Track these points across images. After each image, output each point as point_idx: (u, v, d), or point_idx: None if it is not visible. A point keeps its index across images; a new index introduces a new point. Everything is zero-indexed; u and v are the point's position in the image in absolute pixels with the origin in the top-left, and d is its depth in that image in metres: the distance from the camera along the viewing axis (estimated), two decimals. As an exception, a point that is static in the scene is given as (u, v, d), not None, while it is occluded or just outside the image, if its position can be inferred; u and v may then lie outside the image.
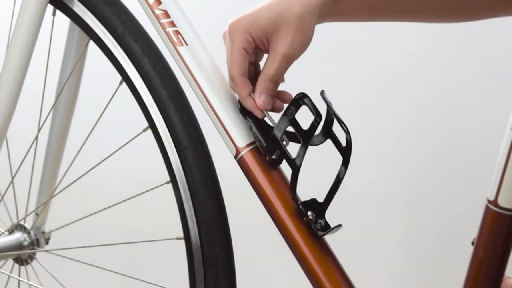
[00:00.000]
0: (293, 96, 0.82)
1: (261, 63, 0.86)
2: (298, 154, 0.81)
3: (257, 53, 0.85)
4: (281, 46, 0.80)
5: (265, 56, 0.84)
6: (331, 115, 0.82)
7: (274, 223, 0.83)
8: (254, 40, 0.81)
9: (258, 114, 0.83)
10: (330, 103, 0.81)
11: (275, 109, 0.84)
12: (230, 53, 0.82)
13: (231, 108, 0.85)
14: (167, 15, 0.88)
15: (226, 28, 0.83)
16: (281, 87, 0.85)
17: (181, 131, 0.90)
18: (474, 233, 0.69)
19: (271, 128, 0.84)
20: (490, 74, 1.54)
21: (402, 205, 1.65)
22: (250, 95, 0.82)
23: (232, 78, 0.82)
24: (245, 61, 0.82)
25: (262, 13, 0.81)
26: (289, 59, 0.81)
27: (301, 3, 0.80)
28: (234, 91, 0.84)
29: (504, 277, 0.71)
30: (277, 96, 0.84)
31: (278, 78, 0.82)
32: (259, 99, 0.82)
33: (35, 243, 1.22)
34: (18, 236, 1.21)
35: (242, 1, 1.71)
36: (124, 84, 0.95)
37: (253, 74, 0.86)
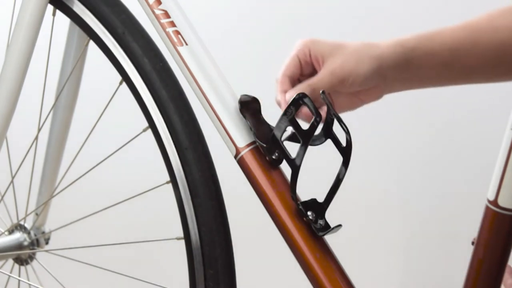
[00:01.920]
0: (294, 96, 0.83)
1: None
2: (298, 154, 0.81)
3: (311, 70, 0.87)
4: (332, 64, 0.84)
5: None
6: (331, 115, 0.82)
7: (274, 223, 0.83)
8: (310, 55, 0.85)
9: (282, 107, 0.85)
10: (330, 103, 0.81)
11: (302, 115, 0.85)
12: (288, 57, 0.86)
13: (231, 108, 0.85)
14: (167, 15, 0.88)
15: None
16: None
17: (181, 131, 0.90)
18: (474, 233, 0.69)
19: (271, 128, 0.84)
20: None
21: (402, 205, 1.65)
22: (283, 92, 0.84)
23: (277, 76, 0.86)
24: (293, 66, 0.85)
25: (328, 41, 0.86)
26: (333, 77, 0.83)
27: (366, 46, 0.85)
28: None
29: (504, 279, 0.71)
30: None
31: (317, 87, 0.83)
32: (288, 94, 0.84)
33: (35, 243, 1.22)
34: (18, 236, 1.21)
35: (242, 1, 1.72)
36: (124, 84, 0.95)
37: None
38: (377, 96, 0.88)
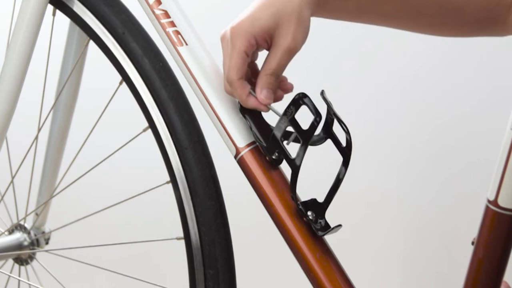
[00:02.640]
0: (294, 96, 0.82)
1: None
2: (298, 154, 0.81)
3: (253, 53, 0.85)
4: (283, 40, 0.80)
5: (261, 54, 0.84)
6: (331, 115, 0.82)
7: (274, 223, 0.83)
8: (256, 42, 0.81)
9: (262, 109, 0.83)
10: (330, 103, 0.82)
11: (275, 99, 0.84)
12: (230, 57, 0.81)
13: (231, 108, 0.85)
14: (167, 15, 0.88)
15: (224, 31, 0.83)
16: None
17: (181, 131, 0.90)
18: (474, 233, 0.69)
19: (271, 128, 0.84)
20: (490, 74, 1.54)
21: (402, 205, 1.65)
22: (250, 94, 0.82)
23: (230, 82, 0.82)
24: (244, 64, 0.82)
25: (261, 12, 0.81)
26: (291, 52, 0.81)
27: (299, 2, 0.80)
28: (232, 95, 0.84)
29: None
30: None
31: (279, 72, 0.82)
32: (261, 94, 0.82)
33: (35, 243, 1.22)
34: (18, 236, 1.21)
35: (243, 2, 1.72)
36: (124, 84, 0.95)
37: (249, 75, 0.86)
38: None
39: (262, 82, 0.82)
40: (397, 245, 1.67)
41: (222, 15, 1.75)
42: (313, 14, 0.83)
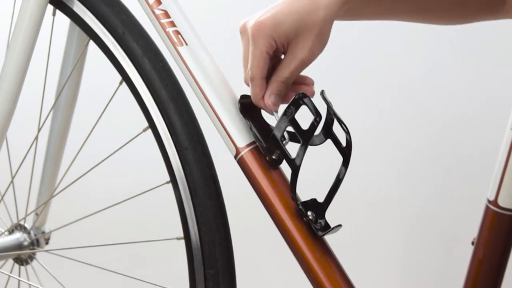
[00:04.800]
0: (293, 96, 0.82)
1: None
2: (298, 154, 0.81)
3: (274, 56, 0.86)
4: (300, 51, 0.81)
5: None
6: (331, 115, 0.82)
7: (274, 223, 0.83)
8: (276, 44, 0.82)
9: (269, 112, 0.84)
10: (330, 103, 0.82)
11: (284, 102, 0.85)
12: (253, 55, 0.82)
13: (231, 108, 0.85)
14: (167, 15, 0.88)
15: (244, 24, 0.84)
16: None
17: (181, 131, 0.90)
18: (474, 233, 0.69)
19: (271, 128, 0.84)
20: (490, 74, 1.54)
21: (401, 205, 1.65)
22: (262, 97, 0.83)
23: (252, 78, 0.83)
24: (266, 64, 0.83)
25: (285, 16, 0.81)
26: (305, 64, 0.82)
27: (323, 11, 0.81)
28: (249, 86, 0.85)
29: None
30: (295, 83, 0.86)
31: (290, 80, 0.83)
32: (269, 99, 0.83)
33: (35, 243, 1.22)
34: (18, 236, 1.21)
35: (243, 2, 1.71)
36: (124, 84, 0.95)
37: (270, 72, 0.86)
38: None
39: (272, 88, 0.83)
40: (397, 245, 1.67)
41: (222, 15, 1.75)
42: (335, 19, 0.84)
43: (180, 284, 1.05)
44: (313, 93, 0.85)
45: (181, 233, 0.91)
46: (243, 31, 0.84)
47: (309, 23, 0.80)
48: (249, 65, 0.83)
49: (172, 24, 0.88)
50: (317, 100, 0.82)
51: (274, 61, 0.85)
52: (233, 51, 1.71)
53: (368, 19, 0.88)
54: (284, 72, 0.82)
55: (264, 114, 0.86)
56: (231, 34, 1.73)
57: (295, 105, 0.81)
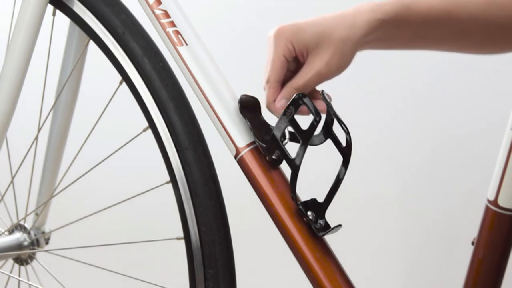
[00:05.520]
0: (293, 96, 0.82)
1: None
2: (298, 154, 0.81)
3: (296, 64, 0.86)
4: (317, 61, 0.82)
5: None
6: (331, 115, 0.82)
7: (274, 223, 0.83)
8: (294, 50, 0.82)
9: (277, 116, 0.84)
10: (330, 103, 0.82)
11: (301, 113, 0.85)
12: (271, 58, 0.83)
13: (231, 108, 0.85)
14: (167, 15, 0.88)
15: (271, 31, 0.84)
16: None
17: (181, 131, 0.90)
18: (474, 233, 0.69)
19: (271, 128, 0.84)
20: (490, 74, 1.54)
21: (401, 205, 1.65)
22: (274, 100, 0.84)
23: (267, 81, 0.84)
24: (283, 68, 0.83)
25: (308, 26, 0.82)
26: (321, 77, 0.82)
27: (348, 29, 0.81)
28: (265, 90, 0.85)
29: None
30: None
31: (304, 90, 0.83)
32: (279, 103, 0.83)
33: (35, 243, 1.22)
34: (18, 236, 1.21)
35: (243, 2, 1.72)
36: (124, 84, 0.95)
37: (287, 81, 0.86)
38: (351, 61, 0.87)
39: (285, 93, 0.83)
40: (397, 245, 1.67)
41: (222, 15, 1.75)
42: (363, 48, 0.84)
43: (180, 284, 1.05)
44: (325, 110, 0.84)
45: (181, 233, 0.91)
46: (268, 38, 0.85)
47: (331, 37, 0.81)
48: (267, 67, 0.84)
49: (172, 24, 0.88)
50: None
51: (295, 70, 0.85)
52: (234, 51, 1.71)
53: (400, 47, 0.87)
54: (299, 80, 0.83)
55: (264, 114, 0.86)
56: (232, 34, 1.74)
57: (294, 105, 0.81)
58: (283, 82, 0.84)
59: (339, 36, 0.81)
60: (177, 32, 0.88)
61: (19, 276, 1.22)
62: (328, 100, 0.82)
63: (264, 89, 0.85)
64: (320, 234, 0.81)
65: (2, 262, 1.28)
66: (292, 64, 0.85)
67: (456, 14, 0.82)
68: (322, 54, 0.82)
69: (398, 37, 0.84)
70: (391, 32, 0.83)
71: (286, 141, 0.83)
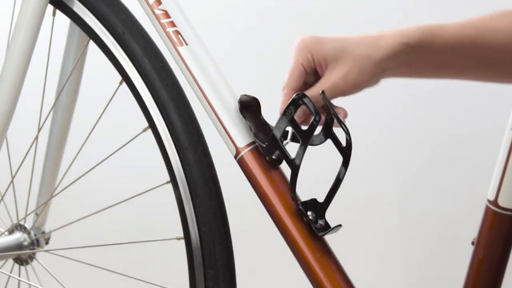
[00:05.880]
0: (293, 96, 0.82)
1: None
2: (297, 154, 0.81)
3: (315, 77, 0.86)
4: (334, 73, 0.82)
5: None
6: (331, 115, 0.82)
7: (274, 223, 0.83)
8: (313, 61, 0.83)
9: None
10: (330, 103, 0.82)
11: (305, 122, 0.85)
12: (291, 65, 0.84)
13: (231, 108, 0.85)
14: (167, 15, 0.88)
15: (295, 42, 0.86)
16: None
17: (181, 131, 0.90)
18: (474, 233, 0.69)
19: (270, 128, 0.84)
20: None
21: (401, 205, 1.65)
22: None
23: (283, 87, 0.85)
24: (300, 77, 0.84)
25: (329, 40, 0.83)
26: (337, 89, 0.83)
27: (369, 48, 0.82)
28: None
29: None
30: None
31: (318, 99, 0.82)
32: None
33: (35, 243, 1.22)
34: (18, 236, 1.21)
35: (243, 2, 1.72)
36: (124, 84, 0.95)
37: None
38: (374, 85, 0.87)
39: None
40: (397, 245, 1.67)
41: (222, 15, 1.75)
42: (386, 74, 0.84)
43: (180, 284, 1.05)
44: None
45: (181, 233, 0.91)
46: (293, 48, 0.86)
47: (352, 53, 0.82)
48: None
49: (172, 24, 0.88)
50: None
51: (313, 83, 0.85)
52: (234, 51, 1.71)
53: (426, 75, 0.87)
54: (314, 89, 0.83)
55: (264, 114, 0.86)
56: (232, 34, 1.74)
57: (294, 105, 0.81)
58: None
59: (359, 53, 0.82)
60: (177, 32, 0.88)
61: (19, 276, 1.22)
62: (327, 100, 0.82)
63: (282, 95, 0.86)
64: (320, 234, 0.81)
65: (2, 262, 1.28)
66: (311, 77, 0.86)
67: (483, 42, 0.82)
68: (340, 67, 0.82)
69: (424, 64, 0.84)
70: (416, 58, 0.83)
71: (286, 141, 0.83)
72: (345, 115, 0.85)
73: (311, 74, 0.86)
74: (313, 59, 0.84)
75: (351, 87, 0.82)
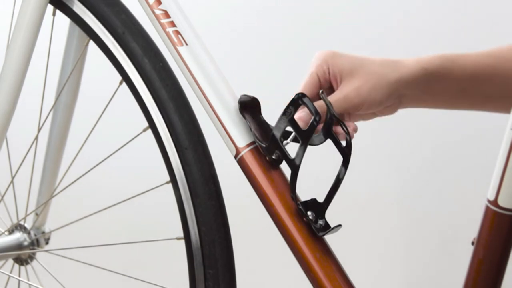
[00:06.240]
0: (293, 96, 0.82)
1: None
2: (297, 154, 0.81)
3: (330, 92, 0.86)
4: (347, 87, 0.82)
5: None
6: (331, 115, 0.82)
7: (274, 223, 0.83)
8: (329, 72, 0.83)
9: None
10: (330, 103, 0.82)
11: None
12: (306, 74, 0.85)
13: (231, 108, 0.85)
14: (167, 15, 0.88)
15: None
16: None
17: (181, 131, 0.90)
18: (474, 233, 0.69)
19: (270, 128, 0.84)
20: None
21: (401, 205, 1.65)
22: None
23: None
24: (313, 87, 0.84)
25: (348, 57, 0.84)
26: (347, 102, 0.82)
27: (386, 68, 0.82)
28: None
29: None
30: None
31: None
32: (298, 115, 0.83)
33: (35, 243, 1.22)
34: (18, 236, 1.21)
35: (243, 2, 1.72)
36: (124, 84, 0.95)
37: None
38: (391, 112, 0.87)
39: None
40: (397, 245, 1.67)
41: (222, 15, 1.75)
42: (405, 102, 0.84)
43: (180, 284, 1.05)
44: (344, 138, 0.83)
45: (181, 233, 0.91)
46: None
47: (368, 69, 0.82)
48: None
49: (172, 24, 0.88)
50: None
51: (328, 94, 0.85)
52: (234, 51, 1.71)
53: (447, 105, 0.87)
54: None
55: (264, 114, 0.86)
56: (232, 34, 1.74)
57: (294, 105, 0.81)
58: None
59: (376, 70, 0.82)
60: (177, 32, 0.88)
61: (19, 276, 1.22)
62: (327, 100, 0.82)
63: None
64: (320, 234, 0.81)
65: (2, 262, 1.28)
66: (325, 84, 0.86)
67: (504, 71, 0.82)
68: (354, 81, 0.82)
69: (445, 92, 0.84)
70: (436, 86, 0.83)
71: (286, 141, 0.83)
72: (355, 130, 0.84)
73: (326, 88, 0.86)
74: (329, 71, 0.84)
75: (362, 102, 0.82)
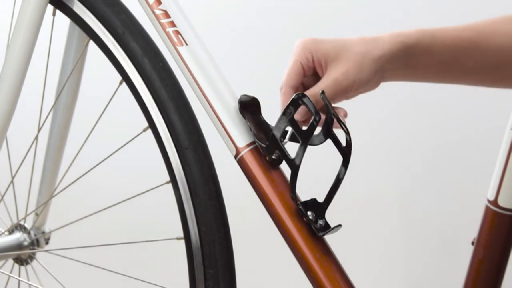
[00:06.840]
0: (293, 96, 0.82)
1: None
2: (297, 154, 0.81)
3: (316, 79, 0.86)
4: (335, 71, 0.82)
5: None
6: (331, 115, 0.82)
7: (274, 223, 0.83)
8: (313, 60, 0.83)
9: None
10: (330, 103, 0.81)
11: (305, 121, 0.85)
12: (289, 64, 0.84)
13: (231, 108, 0.85)
14: (167, 15, 0.88)
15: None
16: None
17: (181, 131, 0.90)
18: (474, 233, 0.69)
19: (270, 128, 0.84)
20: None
21: (401, 205, 1.65)
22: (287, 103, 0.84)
23: (281, 86, 0.85)
24: (297, 75, 0.84)
25: (330, 41, 0.84)
26: (337, 86, 0.82)
27: (368, 45, 0.82)
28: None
29: None
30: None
31: (319, 97, 0.82)
32: None
33: (35, 243, 1.22)
34: (18, 236, 1.21)
35: (243, 2, 1.72)
36: (124, 84, 0.95)
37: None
38: (373, 88, 0.88)
39: None
40: (397, 245, 1.67)
41: (222, 15, 1.75)
42: (387, 76, 0.85)
43: (180, 284, 1.05)
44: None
45: (181, 233, 0.91)
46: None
47: (351, 51, 0.82)
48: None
49: (172, 24, 0.88)
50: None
51: (312, 83, 0.85)
52: (234, 51, 1.71)
53: (428, 78, 0.87)
54: (315, 89, 0.83)
55: (264, 114, 0.86)
56: (232, 34, 1.74)
57: (294, 105, 0.81)
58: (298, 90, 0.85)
59: (359, 50, 0.82)
60: (177, 32, 0.88)
61: (19, 276, 1.22)
62: (327, 100, 0.82)
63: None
64: (320, 234, 0.81)
65: (2, 262, 1.28)
66: (310, 79, 0.86)
67: (484, 45, 0.82)
68: (340, 65, 0.82)
69: (425, 66, 0.84)
70: (416, 59, 0.83)
71: (286, 141, 0.83)
72: (345, 115, 0.85)
73: (310, 75, 0.86)
74: (313, 58, 0.84)
75: (351, 83, 0.82)
